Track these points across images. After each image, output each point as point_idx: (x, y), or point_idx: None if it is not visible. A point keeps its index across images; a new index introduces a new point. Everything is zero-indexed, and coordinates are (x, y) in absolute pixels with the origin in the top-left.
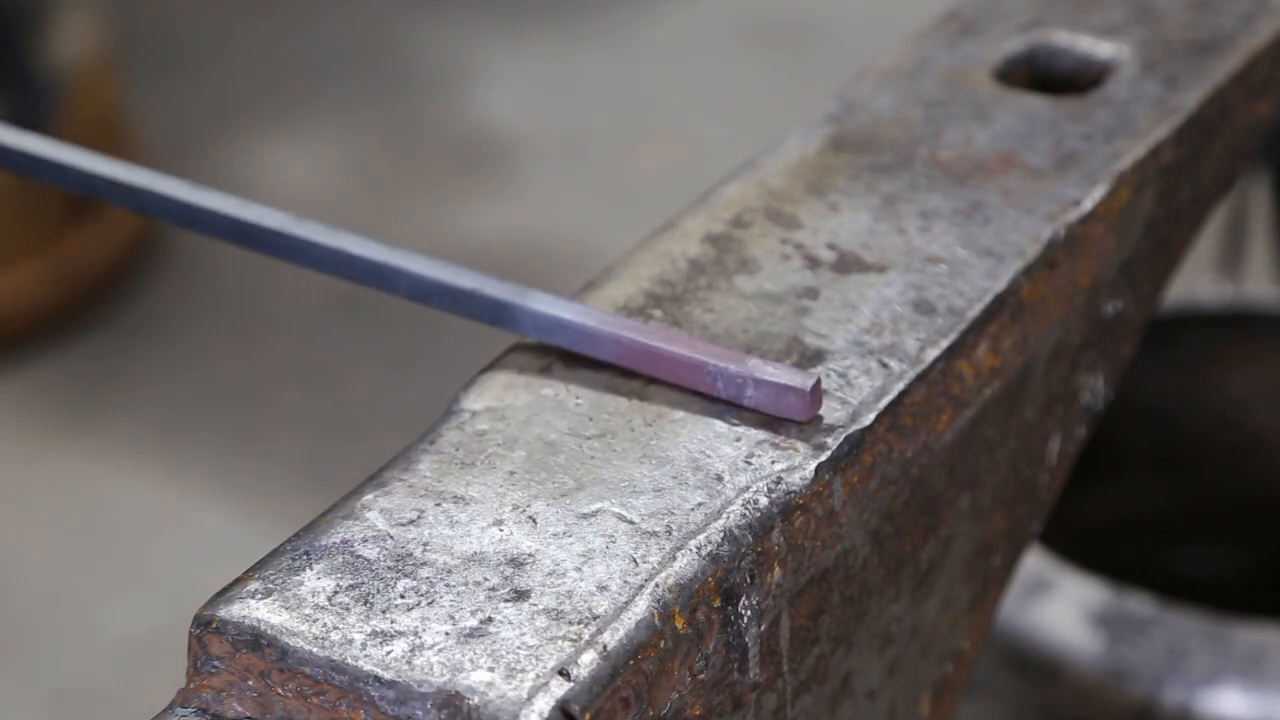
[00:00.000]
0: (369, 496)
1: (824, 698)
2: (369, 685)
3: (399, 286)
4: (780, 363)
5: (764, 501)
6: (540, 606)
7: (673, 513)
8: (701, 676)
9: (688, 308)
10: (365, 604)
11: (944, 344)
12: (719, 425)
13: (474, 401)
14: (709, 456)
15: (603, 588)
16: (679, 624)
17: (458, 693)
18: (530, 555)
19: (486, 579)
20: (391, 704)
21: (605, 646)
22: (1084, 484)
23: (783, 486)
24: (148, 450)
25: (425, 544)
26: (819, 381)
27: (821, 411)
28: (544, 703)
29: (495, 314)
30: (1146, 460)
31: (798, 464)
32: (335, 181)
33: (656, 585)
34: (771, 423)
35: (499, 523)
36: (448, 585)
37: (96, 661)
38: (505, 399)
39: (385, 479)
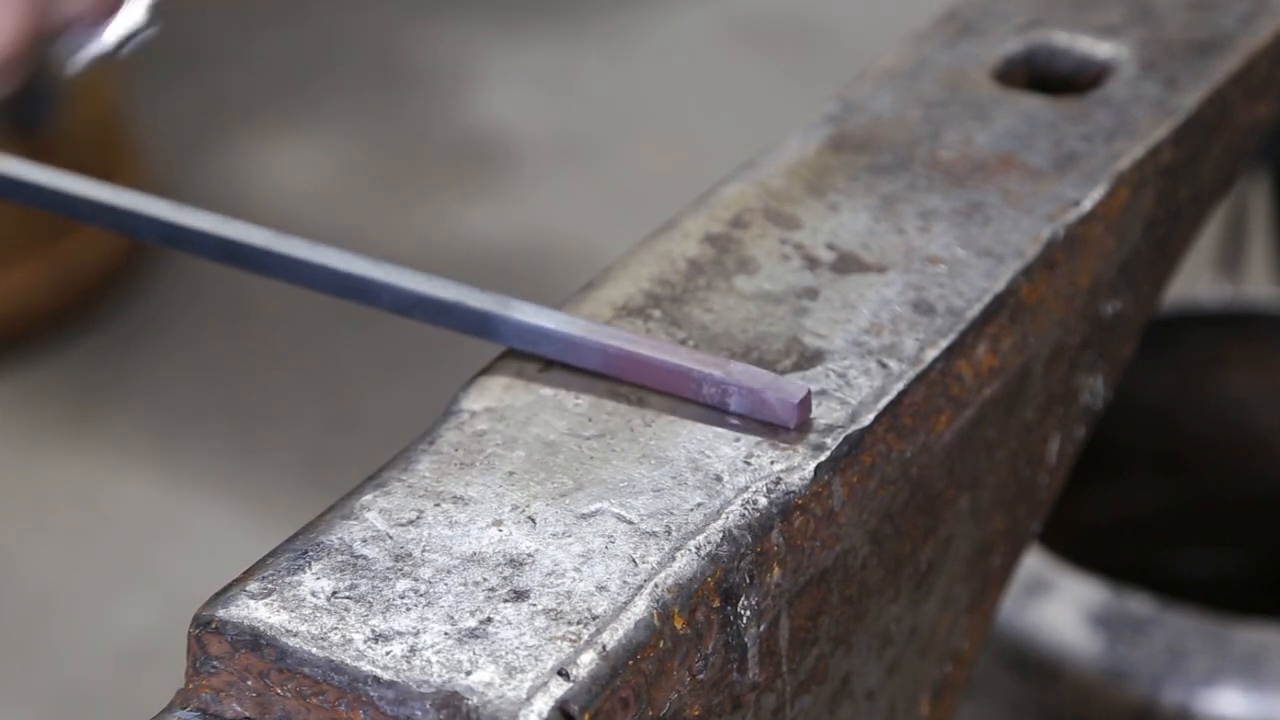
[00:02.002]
0: (368, 497)
1: (823, 698)
2: (368, 685)
3: (381, 300)
4: (766, 370)
5: (763, 502)
6: (539, 607)
7: (672, 513)
8: (701, 677)
9: (687, 308)
10: (364, 604)
11: (943, 344)
12: (718, 425)
13: (473, 402)
14: (708, 457)
15: (602, 588)
16: (678, 624)
17: (457, 693)
18: (529, 555)
19: (486, 579)
20: (391, 704)
21: (604, 647)
22: (1084, 484)
23: (782, 487)
24: (147, 451)
25: (424, 544)
26: (808, 393)
27: (818, 413)
28: (543, 703)
29: (479, 326)
30: (1146, 460)
31: (797, 464)
32: (336, 181)
33: (655, 585)
34: (770, 423)
35: (498, 523)
36: (447, 585)
37: (96, 661)
38: (504, 399)
39: (384, 479)
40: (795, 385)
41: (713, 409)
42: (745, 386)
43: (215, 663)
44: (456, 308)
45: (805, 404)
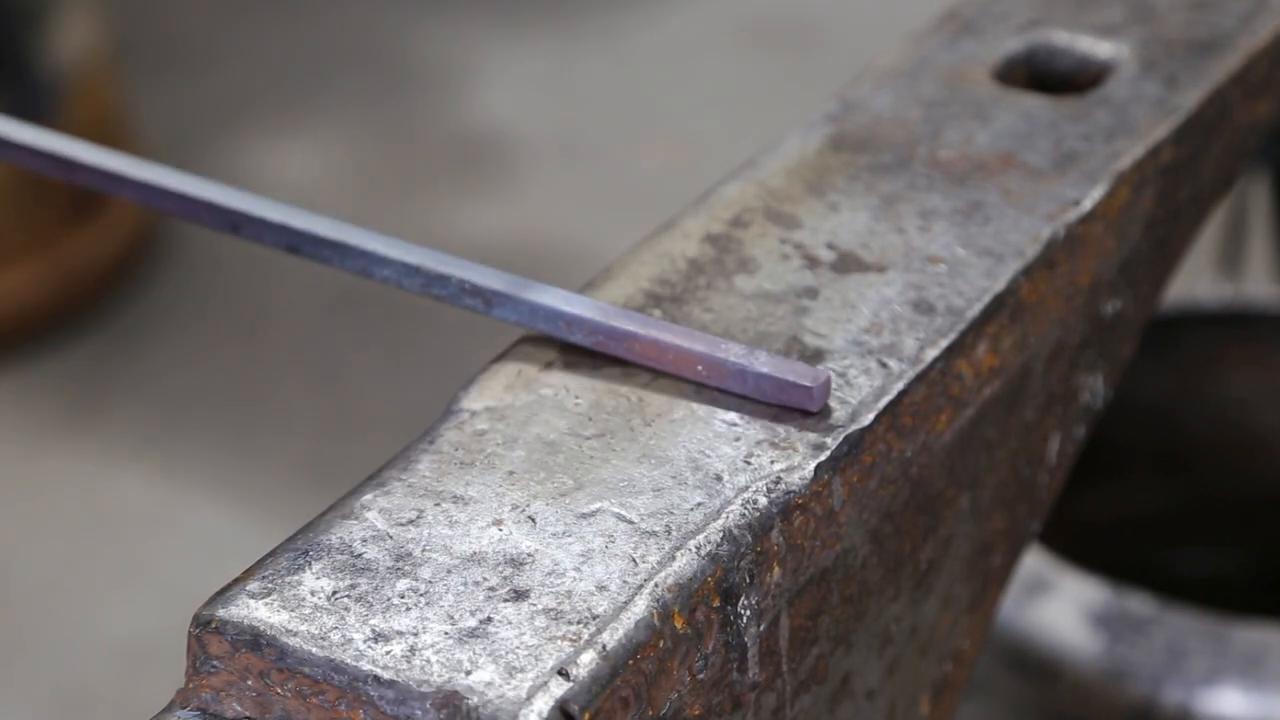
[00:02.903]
0: (368, 496)
1: (823, 697)
2: (368, 685)
3: (382, 273)
4: (788, 355)
5: (763, 501)
6: (539, 606)
7: (672, 512)
8: (701, 676)
9: (687, 307)
10: (364, 604)
11: (943, 344)
12: (718, 425)
13: (473, 401)
14: (708, 456)
15: (602, 587)
16: (678, 624)
17: (457, 692)
18: (529, 555)
19: (486, 579)
20: (391, 704)
21: (604, 646)
22: (1084, 484)
23: (782, 486)
24: (147, 450)
25: (424, 544)
26: (829, 376)
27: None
28: (543, 702)
29: (503, 307)
30: (1146, 460)
31: (797, 464)
32: (334, 181)
33: (656, 585)
34: (771, 423)
35: (498, 522)
36: (447, 585)
37: (96, 661)
38: (505, 399)
39: (385, 479)
40: (817, 369)
41: (715, 403)
42: (770, 369)
43: (215, 662)
44: (486, 290)
45: (826, 386)
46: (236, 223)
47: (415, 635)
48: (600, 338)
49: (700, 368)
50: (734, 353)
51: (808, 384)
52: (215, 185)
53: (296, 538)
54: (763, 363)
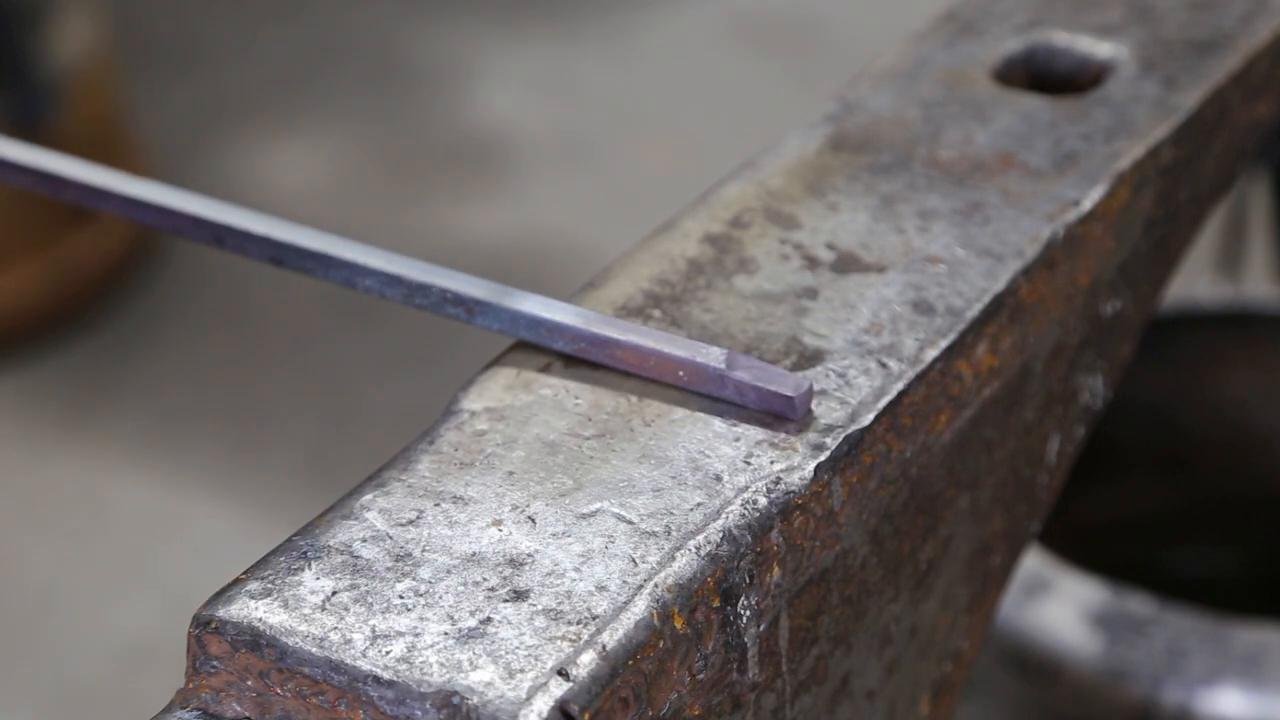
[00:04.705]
0: (368, 497)
1: (823, 698)
2: (368, 685)
3: (364, 284)
4: (772, 364)
5: (763, 501)
6: (539, 607)
7: (671, 513)
8: (700, 676)
9: (686, 308)
10: (364, 604)
11: (943, 344)
12: (718, 425)
13: (473, 402)
14: (708, 456)
15: (602, 588)
16: (678, 624)
17: (456, 693)
18: (529, 555)
19: (485, 579)
20: (390, 704)
21: (604, 646)
22: (1084, 484)
23: (782, 486)
24: (146, 451)
25: (424, 544)
26: (810, 385)
27: (818, 413)
28: (543, 703)
29: (489, 316)
30: (1146, 460)
31: (797, 464)
32: (333, 180)
33: (655, 585)
34: (771, 423)
35: (498, 523)
36: (447, 585)
37: (96, 661)
38: (504, 399)
39: (384, 479)
40: (798, 377)
41: (714, 404)
42: (750, 376)
43: (215, 662)
44: (468, 299)
45: (808, 395)
46: (220, 235)
47: (415, 635)
48: (582, 345)
49: (681, 374)
50: (714, 359)
51: (789, 393)
52: (198, 199)
53: (296, 538)
54: (743, 370)
